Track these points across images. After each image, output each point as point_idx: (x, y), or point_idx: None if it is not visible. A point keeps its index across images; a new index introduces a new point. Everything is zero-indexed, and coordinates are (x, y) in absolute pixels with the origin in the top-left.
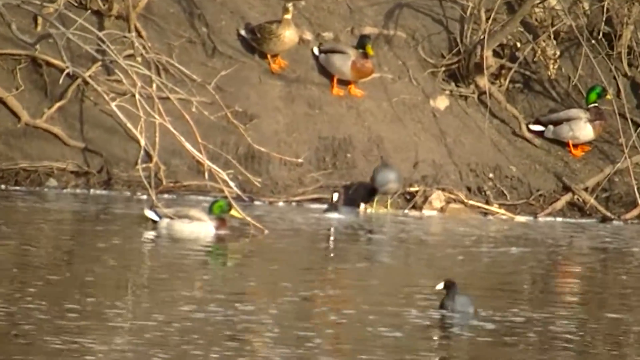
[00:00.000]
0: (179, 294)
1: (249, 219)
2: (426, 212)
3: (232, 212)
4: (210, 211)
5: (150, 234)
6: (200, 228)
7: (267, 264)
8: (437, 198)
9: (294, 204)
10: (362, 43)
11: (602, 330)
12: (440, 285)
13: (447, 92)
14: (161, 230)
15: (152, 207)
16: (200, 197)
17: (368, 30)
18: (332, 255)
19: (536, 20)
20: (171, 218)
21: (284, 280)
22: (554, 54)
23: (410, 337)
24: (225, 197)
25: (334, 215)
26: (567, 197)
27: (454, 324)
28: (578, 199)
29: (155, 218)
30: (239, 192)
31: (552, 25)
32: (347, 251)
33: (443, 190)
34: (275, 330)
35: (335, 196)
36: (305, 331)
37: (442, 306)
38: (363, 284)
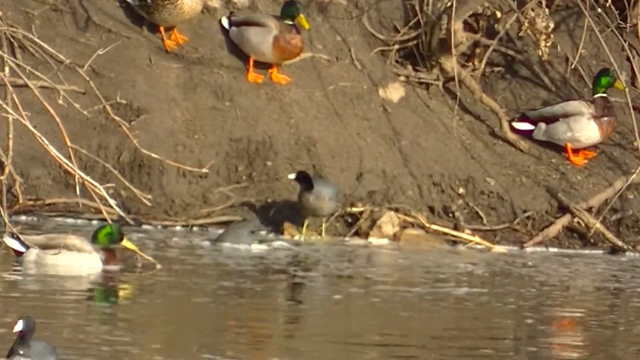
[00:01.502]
0: None
1: (136, 250)
2: (374, 240)
3: (125, 242)
4: (94, 240)
5: (12, 270)
6: (82, 262)
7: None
8: (389, 221)
9: (196, 228)
10: (288, 12)
11: None
12: (18, 326)
13: (402, 78)
14: (28, 264)
15: (14, 234)
16: (70, 220)
17: None
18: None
19: None
20: (41, 249)
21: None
22: (547, 27)
23: None
24: (117, 222)
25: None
26: (565, 220)
27: None
28: (579, 223)
29: (20, 248)
30: (122, 213)
31: None
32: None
33: (397, 210)
34: None
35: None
36: None
37: (11, 353)
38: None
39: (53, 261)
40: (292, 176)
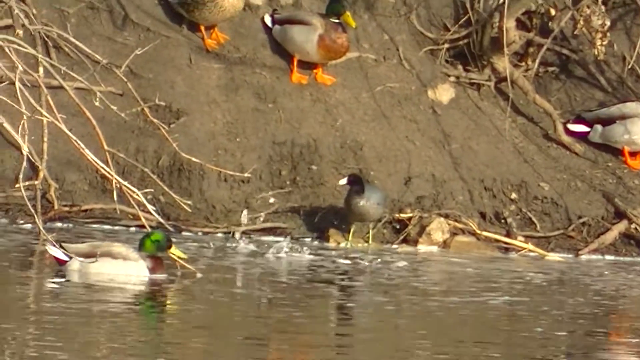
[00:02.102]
0: None
1: (185, 258)
2: (423, 247)
3: (173, 250)
4: (141, 247)
5: (54, 281)
6: (128, 270)
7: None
8: (439, 228)
9: (237, 235)
10: (333, 9)
11: None
12: None
13: (452, 78)
14: (71, 274)
15: (57, 242)
16: (107, 227)
17: None
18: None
19: None
20: (86, 258)
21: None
22: (603, 25)
23: None
24: (159, 228)
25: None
26: (621, 226)
27: None
28: (636, 229)
29: (63, 257)
30: (161, 220)
31: None
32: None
33: (446, 217)
34: None
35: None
36: None
37: None
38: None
39: (97, 270)
40: (343, 182)
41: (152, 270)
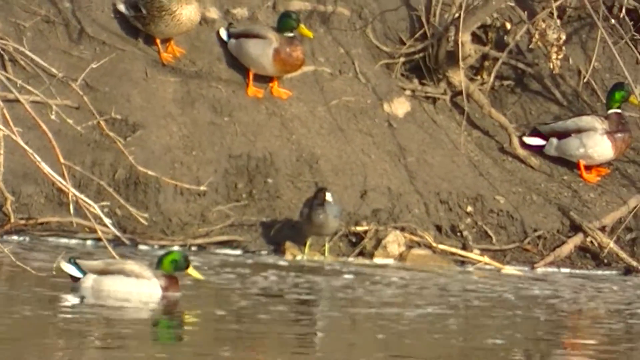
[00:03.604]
0: None
1: (202, 279)
2: (379, 260)
3: (190, 270)
4: (158, 266)
5: (69, 298)
6: (141, 288)
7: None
8: (395, 241)
9: (194, 248)
10: (285, 24)
11: None
12: None
13: (408, 92)
14: (85, 290)
15: (72, 259)
16: (63, 240)
17: (296, 5)
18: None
19: None
20: (99, 274)
21: None
22: (558, 39)
23: None
24: (112, 242)
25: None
26: (577, 239)
27: None
28: (592, 242)
29: (77, 274)
30: (117, 233)
31: None
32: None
33: (402, 230)
34: None
35: None
36: None
37: None
38: None
39: (110, 287)
40: (329, 197)
41: (165, 288)
